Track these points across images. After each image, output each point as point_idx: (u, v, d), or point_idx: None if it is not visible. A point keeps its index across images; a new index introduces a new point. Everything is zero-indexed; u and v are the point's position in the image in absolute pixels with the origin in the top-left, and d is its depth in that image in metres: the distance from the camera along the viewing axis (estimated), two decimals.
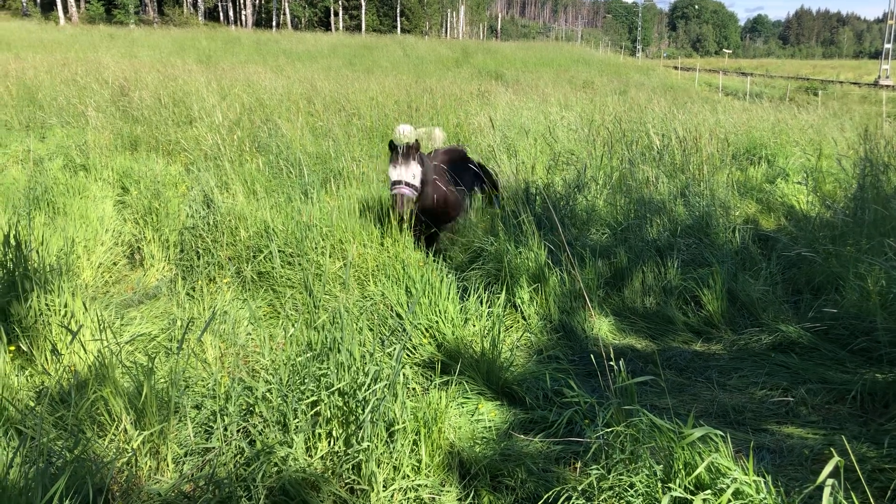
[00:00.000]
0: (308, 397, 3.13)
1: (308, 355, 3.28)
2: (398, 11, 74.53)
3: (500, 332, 4.53)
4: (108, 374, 3.20)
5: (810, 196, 10.85)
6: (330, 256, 6.06)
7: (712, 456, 2.50)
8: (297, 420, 3.13)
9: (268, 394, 3.19)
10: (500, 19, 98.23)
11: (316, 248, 6.15)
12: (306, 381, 3.19)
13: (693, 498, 2.35)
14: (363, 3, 70.19)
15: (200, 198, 6.71)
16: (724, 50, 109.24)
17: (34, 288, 3.92)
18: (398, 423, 3.13)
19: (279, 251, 6.01)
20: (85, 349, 3.43)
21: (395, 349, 3.29)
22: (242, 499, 3.05)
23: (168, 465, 3.17)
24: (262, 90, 16.91)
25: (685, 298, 6.58)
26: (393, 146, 6.67)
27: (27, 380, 3.76)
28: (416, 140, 6.80)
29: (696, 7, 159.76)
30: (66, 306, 3.97)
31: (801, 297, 6.67)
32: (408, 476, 3.22)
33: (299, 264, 6.04)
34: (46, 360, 3.89)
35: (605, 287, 6.66)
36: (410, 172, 6.57)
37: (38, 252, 4.31)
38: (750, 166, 12.86)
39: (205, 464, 3.17)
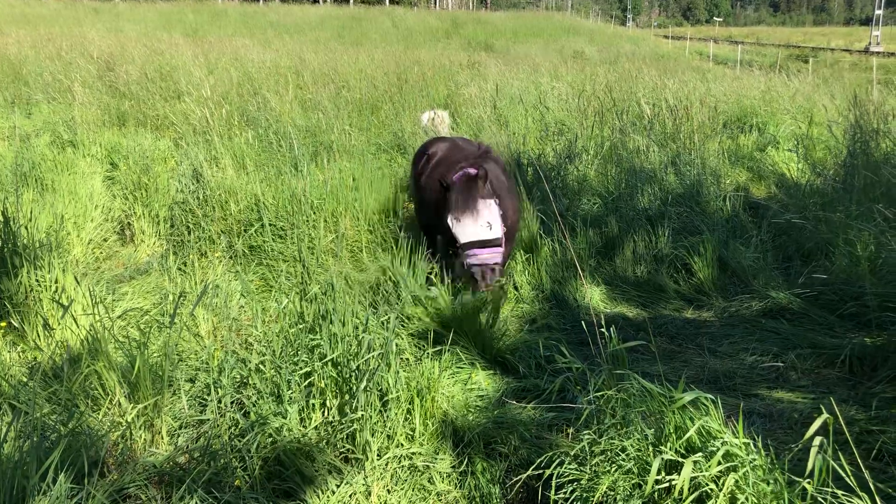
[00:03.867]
0: (301, 368, 3.14)
1: (300, 326, 3.29)
2: None
3: (499, 301, 4.56)
4: (101, 348, 3.20)
5: (801, 163, 10.87)
6: (322, 229, 6.05)
7: (703, 419, 2.52)
8: (290, 391, 3.15)
9: (261, 365, 3.20)
10: None
11: (307, 220, 6.14)
12: (299, 352, 3.20)
13: (684, 461, 2.38)
14: None
15: (190, 172, 6.66)
16: (714, 18, 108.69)
17: (24, 264, 3.90)
18: (392, 393, 3.15)
19: (270, 225, 6.00)
20: (77, 324, 3.43)
21: (388, 318, 3.30)
22: (237, 469, 3.08)
23: (163, 438, 3.18)
24: (250, 63, 16.75)
25: (676, 266, 6.61)
26: (442, 182, 4.73)
27: (19, 356, 3.76)
28: (483, 169, 4.74)
29: None
30: (56, 282, 3.96)
31: (792, 264, 6.71)
32: (402, 444, 3.25)
33: (290, 237, 6.04)
34: (38, 335, 3.89)
35: (597, 256, 6.68)
36: (485, 219, 4.58)
37: (26, 228, 4.29)
38: (741, 135, 12.84)
39: (199, 436, 3.19)
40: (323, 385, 3.17)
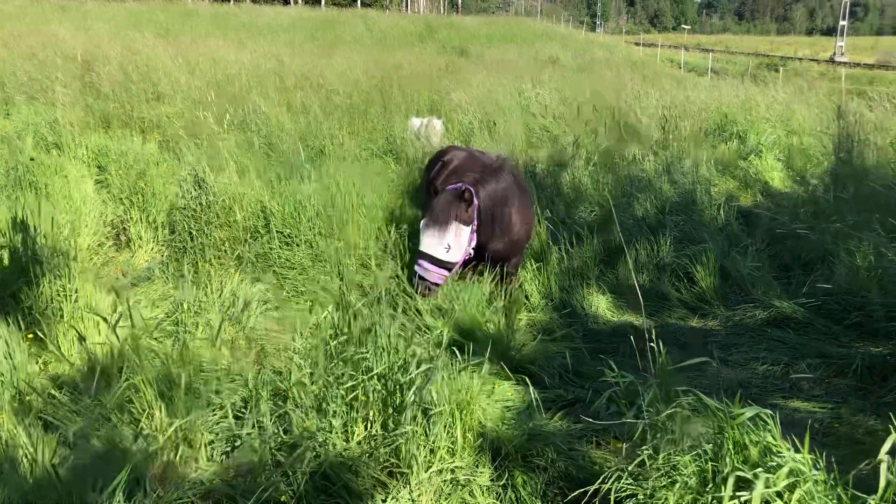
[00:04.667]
0: (347, 381, 3.11)
1: (341, 339, 3.25)
2: None
3: (514, 312, 4.56)
4: (138, 361, 3.14)
5: (789, 172, 11.06)
6: (328, 238, 6.01)
7: (764, 435, 2.55)
8: (334, 405, 3.11)
9: (304, 378, 3.16)
10: None
11: (312, 228, 6.10)
12: (345, 365, 3.17)
13: (751, 476, 2.40)
14: None
15: (192, 178, 6.57)
16: (682, 26, 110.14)
17: (45, 273, 3.82)
18: (436, 407, 3.13)
19: (278, 232, 5.94)
20: (117, 337, 3.36)
21: (438, 331, 3.28)
22: (281, 484, 3.04)
23: (204, 453, 3.13)
24: (230, 65, 16.57)
25: (678, 275, 6.67)
26: (431, 185, 4.89)
27: (41, 367, 3.67)
28: (468, 189, 4.71)
29: None
30: (76, 291, 3.88)
31: (790, 273, 6.81)
32: (443, 458, 3.23)
33: (297, 245, 5.99)
34: (61, 346, 3.80)
35: (600, 264, 6.71)
36: (448, 240, 4.62)
37: (44, 237, 4.20)
38: (721, 143, 12.96)
39: (241, 450, 3.14)
40: (366, 399, 3.14)
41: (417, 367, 3.07)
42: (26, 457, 2.75)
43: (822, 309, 5.88)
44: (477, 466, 3.33)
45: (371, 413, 3.17)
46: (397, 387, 3.13)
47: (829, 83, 24.94)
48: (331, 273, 5.71)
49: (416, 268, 4.67)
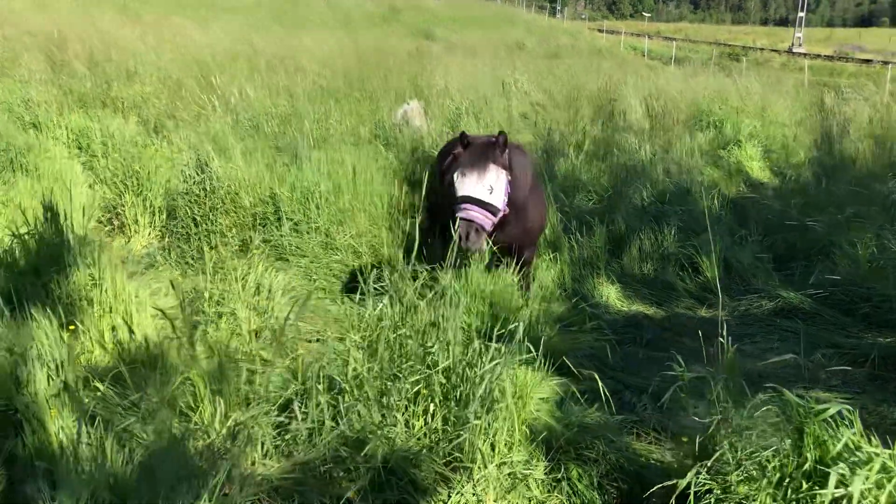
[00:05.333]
0: (411, 376, 3.06)
1: (401, 332, 3.20)
2: None
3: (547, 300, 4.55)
4: (193, 355, 3.04)
5: (768, 162, 11.22)
6: (340, 224, 5.92)
7: (848, 431, 2.57)
8: (396, 399, 3.06)
9: (365, 372, 3.09)
10: None
11: (321, 215, 6.00)
12: (409, 359, 3.11)
13: (845, 473, 2.42)
14: None
15: (193, 161, 6.41)
16: (644, 13, 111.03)
17: (77, 261, 3.67)
18: (500, 400, 3.10)
19: (288, 219, 5.84)
20: (174, 328, 3.25)
21: (515, 327, 3.24)
22: (343, 480, 2.99)
23: (265, 450, 3.05)
24: (203, 46, 16.20)
25: (681, 265, 6.73)
26: (463, 136, 4.66)
27: (77, 360, 3.54)
28: (502, 132, 4.62)
29: None
30: (113, 281, 3.74)
31: (790, 264, 6.91)
32: (502, 452, 3.21)
33: (307, 232, 5.89)
34: (100, 337, 3.67)
35: (605, 254, 6.73)
36: (489, 182, 4.42)
37: (72, 223, 4.05)
38: (698, 132, 13.06)
39: (302, 446, 3.07)
40: (428, 393, 3.10)
41: (489, 362, 3.03)
42: (93, 457, 2.65)
43: (827, 300, 5.99)
44: (531, 460, 3.31)
45: (432, 407, 3.13)
46: (461, 381, 3.09)
47: (792, 74, 25.40)
48: (346, 260, 5.63)
49: (460, 213, 4.29)
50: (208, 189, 6.07)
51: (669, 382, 4.77)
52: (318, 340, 4.46)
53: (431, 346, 3.09)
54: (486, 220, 4.37)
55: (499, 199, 4.45)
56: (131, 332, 3.37)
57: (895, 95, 15.53)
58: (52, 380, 3.07)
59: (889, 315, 5.54)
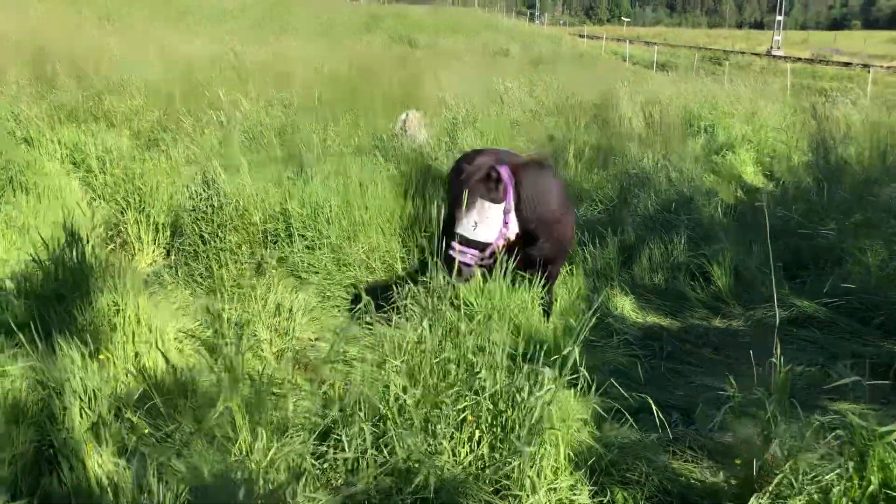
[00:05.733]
0: (459, 402, 2.99)
1: (444, 356, 3.12)
2: None
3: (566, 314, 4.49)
4: (234, 384, 2.95)
5: (762, 168, 11.27)
6: (352, 240, 5.84)
7: None
8: (442, 425, 2.99)
9: (408, 399, 3.02)
10: None
11: (332, 230, 5.91)
12: (455, 384, 3.04)
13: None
14: None
15: (199, 177, 6.30)
16: (622, 18, 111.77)
17: (101, 287, 3.57)
18: (549, 425, 3.04)
19: (300, 235, 5.75)
20: (206, 356, 3.16)
21: (567, 352, 3.17)
22: None
23: (307, 480, 2.97)
24: (191, 56, 16.04)
25: (692, 274, 6.70)
26: (459, 170, 4.64)
27: (106, 387, 3.43)
28: (494, 168, 4.52)
29: None
30: (136, 306, 3.64)
31: (795, 272, 6.90)
32: (549, 477, 3.14)
33: (318, 248, 5.80)
34: (116, 365, 3.57)
35: (617, 265, 6.70)
36: (472, 219, 4.43)
37: (93, 247, 3.94)
38: (690, 138, 13.07)
39: (347, 476, 2.99)
40: (475, 418, 3.03)
41: (540, 388, 2.97)
42: (133, 495, 2.56)
43: (841, 308, 5.97)
44: (576, 484, 3.25)
45: (479, 433, 3.06)
46: (508, 406, 3.03)
47: (775, 77, 25.61)
48: (359, 277, 5.55)
49: (450, 251, 4.41)
50: (216, 205, 5.97)
51: (696, 397, 4.78)
52: (343, 361, 4.37)
53: (478, 371, 3.02)
54: (470, 258, 4.44)
55: (485, 234, 4.47)
56: (166, 359, 3.26)
57: (881, 99, 15.69)
58: (85, 412, 2.97)
59: None
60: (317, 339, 4.78)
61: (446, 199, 5.52)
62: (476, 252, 4.46)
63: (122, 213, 6.85)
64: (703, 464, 3.78)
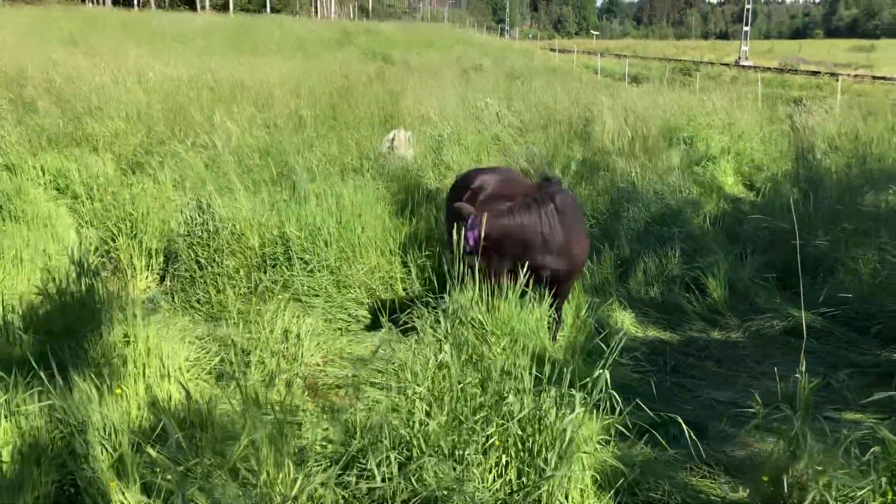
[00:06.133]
0: (487, 427, 2.97)
1: (469, 381, 3.10)
2: None
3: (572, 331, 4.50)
4: (259, 417, 2.91)
5: (742, 178, 11.40)
6: (348, 260, 5.81)
7: None
8: (471, 452, 2.97)
9: (435, 426, 2.99)
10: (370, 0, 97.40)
11: (331, 253, 5.88)
12: (481, 409, 3.02)
13: None
14: None
15: (193, 202, 6.24)
16: (591, 31, 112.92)
17: (112, 319, 3.51)
18: (577, 449, 3.03)
19: (299, 258, 5.70)
20: (223, 393, 3.11)
21: (597, 375, 3.16)
22: None
23: None
24: (167, 78, 15.90)
25: (686, 286, 6.75)
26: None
27: (124, 422, 3.37)
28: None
29: None
30: (146, 339, 3.57)
31: (787, 282, 6.96)
32: (576, 500, 3.13)
33: (318, 271, 5.76)
34: (128, 398, 3.50)
35: (615, 280, 6.72)
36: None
37: (102, 281, 3.87)
38: (670, 150, 13.16)
39: None
40: (502, 444, 3.01)
41: (571, 410, 2.96)
42: None
43: (836, 318, 6.04)
44: None
45: (507, 459, 3.04)
46: (536, 431, 3.01)
47: (746, 87, 25.93)
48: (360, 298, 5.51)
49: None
50: (212, 230, 5.90)
51: (706, 411, 4.80)
52: (350, 386, 4.33)
53: (506, 396, 3.01)
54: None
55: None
56: (187, 391, 3.20)
57: (854, 106, 15.93)
58: (105, 449, 2.91)
59: None
60: (325, 364, 4.74)
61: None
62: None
63: (112, 239, 6.75)
64: (720, 479, 3.79)
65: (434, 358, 3.18)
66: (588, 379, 3.17)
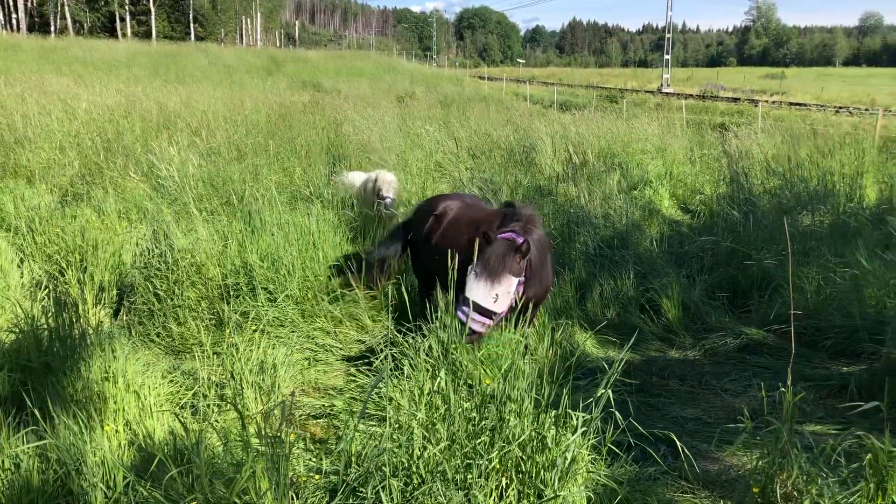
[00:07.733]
0: (489, 451, 2.98)
1: (468, 405, 3.12)
2: (191, 17, 71.22)
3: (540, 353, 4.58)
4: (252, 450, 2.85)
5: (679, 201, 11.77)
6: (310, 290, 5.76)
7: None
8: (475, 476, 2.97)
9: (437, 452, 2.99)
10: (297, 27, 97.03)
11: (291, 282, 5.82)
12: (483, 433, 3.03)
13: None
14: (153, 9, 66.33)
15: (149, 233, 6.09)
16: (517, 60, 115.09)
17: (92, 354, 3.40)
18: (577, 470, 3.07)
19: (263, 289, 5.63)
20: (211, 427, 3.03)
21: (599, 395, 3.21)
22: None
23: None
24: (95, 106, 15.49)
25: (641, 307, 6.92)
26: (486, 234, 4.59)
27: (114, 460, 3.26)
28: (527, 241, 4.60)
29: (481, 19, 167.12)
30: (124, 374, 3.47)
31: (736, 300, 7.22)
32: None
33: (282, 301, 5.69)
34: (110, 435, 3.39)
35: (575, 303, 6.84)
36: (495, 291, 4.44)
37: (83, 314, 3.74)
38: (607, 174, 13.46)
39: None
40: (501, 467, 3.03)
41: (573, 432, 3.00)
42: None
43: (787, 334, 6.26)
44: None
45: (505, 480, 3.06)
46: (535, 453, 3.04)
47: (670, 113, 26.83)
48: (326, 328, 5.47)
49: (460, 314, 4.35)
50: (170, 261, 5.78)
51: (676, 428, 4.91)
52: (328, 416, 4.30)
53: (507, 419, 3.03)
54: (484, 328, 4.45)
55: (503, 306, 4.51)
56: (184, 426, 3.12)
57: (776, 129, 16.65)
58: (101, 489, 2.82)
59: (850, 345, 5.87)
60: (300, 395, 4.68)
61: (413, 239, 5.58)
62: (489, 322, 4.46)
63: (61, 273, 6.53)
64: (700, 494, 3.89)
65: (430, 384, 3.19)
66: (591, 401, 3.22)
